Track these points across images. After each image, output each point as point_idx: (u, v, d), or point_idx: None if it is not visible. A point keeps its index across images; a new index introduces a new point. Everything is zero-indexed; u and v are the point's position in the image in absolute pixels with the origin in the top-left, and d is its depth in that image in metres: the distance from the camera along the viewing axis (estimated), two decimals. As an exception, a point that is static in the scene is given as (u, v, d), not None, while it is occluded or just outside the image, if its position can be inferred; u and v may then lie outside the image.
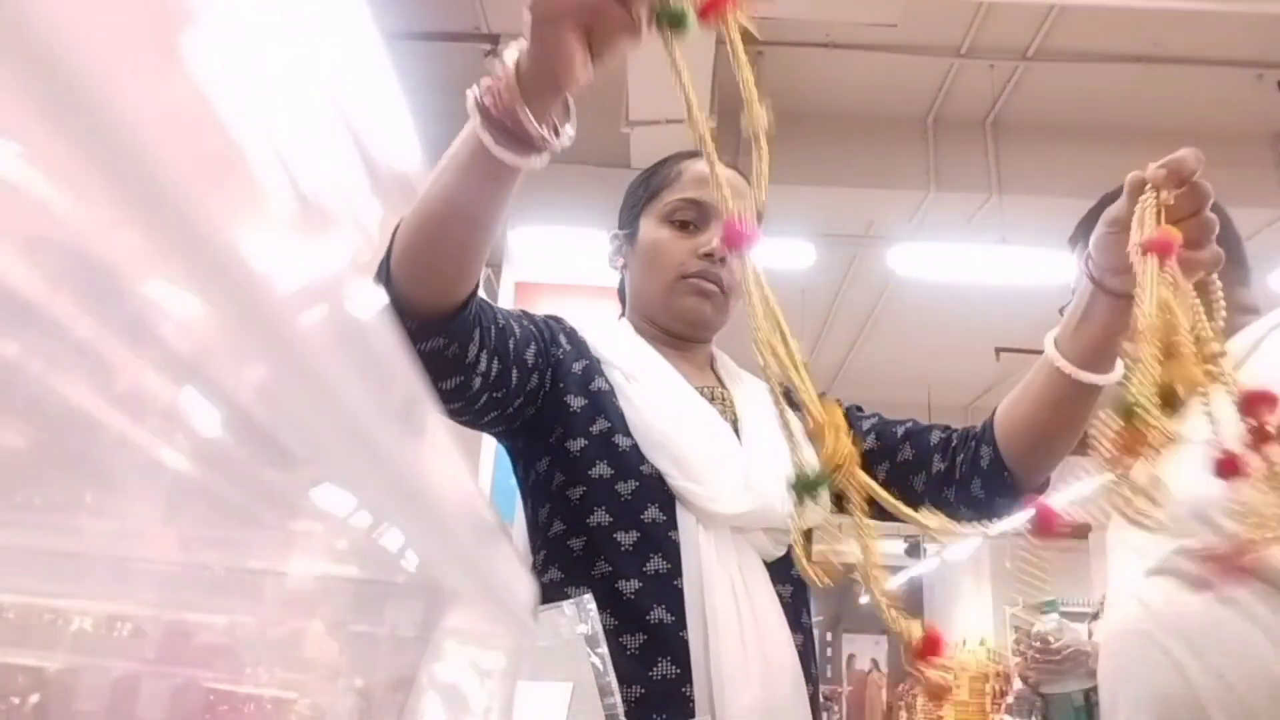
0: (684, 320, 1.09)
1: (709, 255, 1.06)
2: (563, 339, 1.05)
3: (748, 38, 0.61)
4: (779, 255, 4.60)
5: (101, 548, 0.27)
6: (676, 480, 0.95)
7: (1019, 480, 0.96)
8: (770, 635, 0.92)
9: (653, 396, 1.00)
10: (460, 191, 0.74)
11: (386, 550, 0.29)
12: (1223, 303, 0.68)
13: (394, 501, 0.24)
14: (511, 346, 0.92)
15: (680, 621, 0.89)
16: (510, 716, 0.40)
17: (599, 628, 0.70)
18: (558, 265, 4.31)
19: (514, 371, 0.92)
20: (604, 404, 0.99)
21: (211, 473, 0.24)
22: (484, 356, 0.87)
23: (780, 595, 0.97)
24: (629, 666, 0.85)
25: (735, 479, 0.96)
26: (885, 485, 1.07)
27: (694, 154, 1.09)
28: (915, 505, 1.04)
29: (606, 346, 1.06)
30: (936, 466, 1.03)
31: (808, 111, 4.71)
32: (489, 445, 3.80)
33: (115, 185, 0.14)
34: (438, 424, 0.26)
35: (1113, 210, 0.79)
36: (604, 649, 0.68)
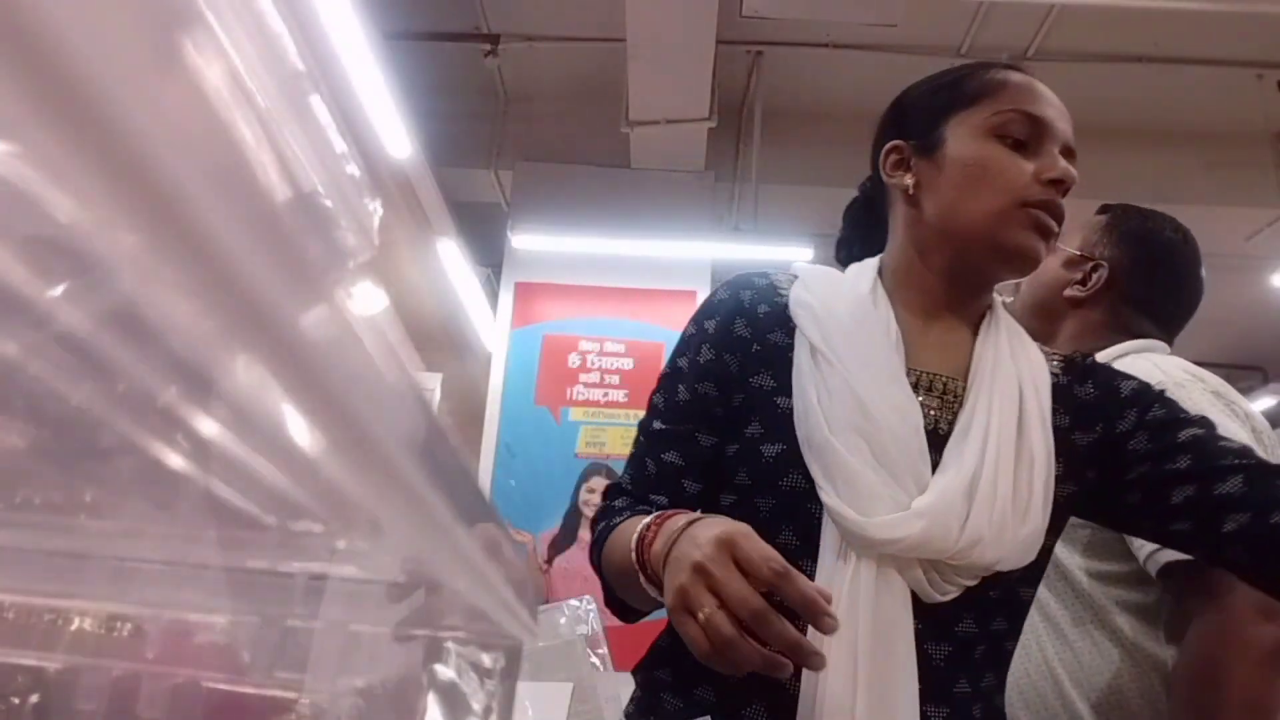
0: (1011, 256, 0.88)
1: (1057, 182, 0.87)
2: (734, 342, 0.93)
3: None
4: (779, 255, 4.60)
5: (101, 548, 0.27)
6: (827, 495, 0.80)
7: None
8: (890, 704, 0.74)
9: (840, 384, 0.84)
10: (627, 578, 0.80)
11: (386, 550, 0.29)
12: None
13: (394, 500, 0.24)
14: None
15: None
16: (510, 716, 0.40)
17: (599, 628, 0.70)
18: (558, 265, 4.31)
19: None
20: (759, 404, 0.89)
21: (211, 472, 0.24)
22: None
23: (930, 655, 0.78)
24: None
25: (900, 501, 0.79)
26: (1131, 487, 0.90)
27: (1007, 65, 0.94)
28: (1165, 521, 0.87)
29: (811, 312, 0.90)
30: (1217, 495, 0.83)
31: (808, 111, 4.71)
32: (489, 445, 3.80)
33: (113, 185, 0.14)
34: (437, 422, 0.26)
35: None
36: (604, 649, 0.68)
